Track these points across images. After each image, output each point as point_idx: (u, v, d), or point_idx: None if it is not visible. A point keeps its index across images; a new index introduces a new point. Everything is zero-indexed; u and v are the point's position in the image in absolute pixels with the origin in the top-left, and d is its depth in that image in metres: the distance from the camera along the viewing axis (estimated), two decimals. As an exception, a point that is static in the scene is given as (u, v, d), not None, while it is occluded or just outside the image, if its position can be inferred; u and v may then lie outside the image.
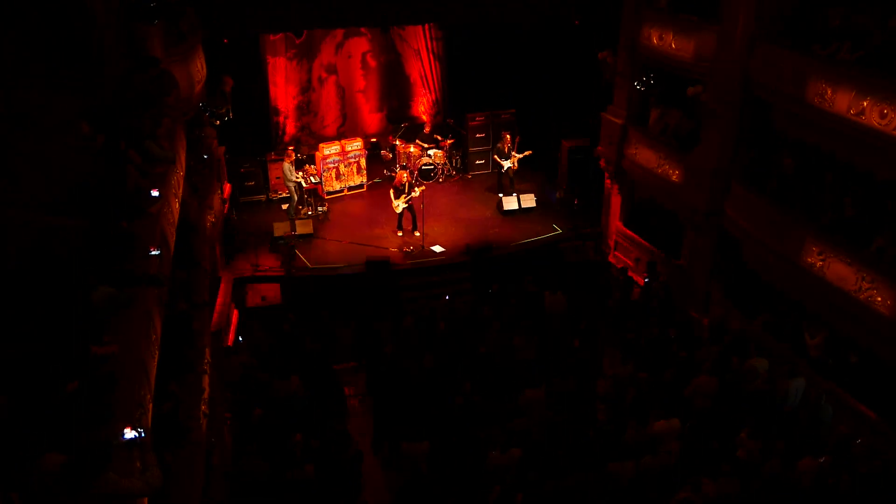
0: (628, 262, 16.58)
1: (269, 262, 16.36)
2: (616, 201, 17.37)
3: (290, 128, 20.65)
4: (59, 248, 5.69)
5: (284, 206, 18.47)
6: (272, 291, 15.27)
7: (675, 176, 14.88)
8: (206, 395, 9.32)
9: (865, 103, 10.54)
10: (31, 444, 4.54)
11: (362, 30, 20.47)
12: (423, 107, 22.07)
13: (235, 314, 15.10)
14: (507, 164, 18.99)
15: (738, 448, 10.49)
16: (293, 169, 17.74)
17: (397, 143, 20.10)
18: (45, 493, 4.34)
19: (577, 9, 18.00)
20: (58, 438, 4.70)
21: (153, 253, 6.98)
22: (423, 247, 17.05)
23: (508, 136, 19.06)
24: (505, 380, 12.23)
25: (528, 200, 18.93)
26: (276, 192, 19.03)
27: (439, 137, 20.21)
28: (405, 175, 17.30)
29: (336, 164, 19.14)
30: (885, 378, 10.98)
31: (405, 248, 17.01)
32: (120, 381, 5.53)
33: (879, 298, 10.52)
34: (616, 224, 17.27)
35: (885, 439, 10.42)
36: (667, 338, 13.03)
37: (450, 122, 20.89)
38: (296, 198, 17.98)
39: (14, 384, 4.72)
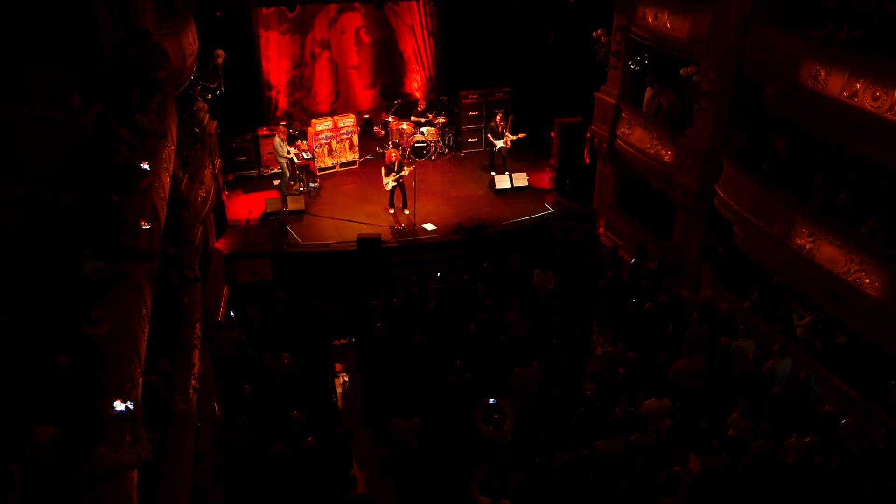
0: (619, 242, 16.61)
1: (261, 238, 16.31)
2: (608, 181, 17.36)
3: (283, 103, 20.49)
4: (49, 221, 5.64)
5: (276, 182, 18.36)
6: (263, 268, 15.22)
7: (667, 156, 14.87)
8: (196, 371, 9.31)
9: (859, 86, 10.53)
10: (24, 417, 4.52)
11: (356, 5, 20.27)
12: (416, 84, 21.93)
13: (226, 290, 15.06)
14: (499, 143, 18.92)
15: (730, 428, 10.58)
16: (285, 144, 17.62)
17: (390, 119, 19.99)
18: (39, 465, 4.33)
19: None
20: (50, 412, 4.69)
21: (144, 227, 6.93)
22: (414, 225, 17.02)
23: (500, 115, 18.96)
24: (496, 357, 12.27)
25: (521, 179, 18.89)
26: (267, 167, 18.92)
27: (430, 117, 20.10)
28: (394, 153, 17.22)
29: (328, 141, 19.03)
30: (871, 359, 11.07)
31: (397, 226, 16.97)
32: (110, 356, 5.51)
33: (868, 280, 10.57)
34: (608, 204, 17.26)
35: (871, 419, 10.53)
36: (656, 317, 13.08)
37: (443, 100, 20.77)
38: (287, 174, 17.88)
39: (4, 358, 4.69)
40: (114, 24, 8.78)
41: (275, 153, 17.73)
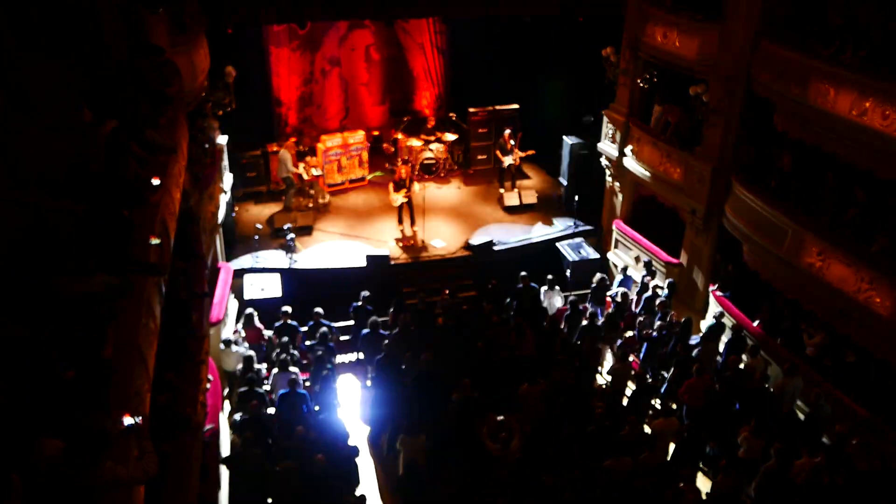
0: (628, 259, 16.57)
1: (270, 254, 16.36)
2: (617, 199, 17.36)
3: (293, 119, 20.62)
4: (56, 232, 5.67)
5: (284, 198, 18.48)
6: (272, 283, 15.24)
7: (676, 174, 14.87)
8: (204, 386, 9.32)
9: (868, 104, 10.52)
10: (29, 428, 4.52)
11: (366, 22, 20.42)
12: (425, 101, 22.03)
13: (234, 305, 15.10)
14: (508, 159, 18.96)
15: (740, 447, 10.49)
16: (291, 159, 17.76)
17: (399, 136, 20.07)
18: (43, 478, 4.33)
19: (582, 5, 17.97)
20: (56, 425, 4.69)
21: (153, 242, 6.96)
22: (423, 241, 17.03)
23: (508, 132, 19.03)
24: (503, 375, 12.23)
25: (530, 197, 18.90)
26: (277, 183, 19.03)
27: (439, 134, 20.17)
28: (404, 169, 17.29)
29: (338, 157, 19.13)
30: (881, 377, 10.98)
31: (405, 243, 16.99)
32: (118, 369, 5.52)
33: (878, 300, 10.51)
34: (617, 222, 17.26)
35: (882, 438, 10.43)
36: (665, 335, 13.03)
37: (452, 117, 20.87)
38: (293, 190, 18.02)
39: (10, 369, 4.71)
40: (117, 24, 8.84)
41: (280, 165, 17.87)
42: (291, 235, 16.26)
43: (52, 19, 7.57)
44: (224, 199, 14.85)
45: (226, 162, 15.72)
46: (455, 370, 12.13)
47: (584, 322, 13.48)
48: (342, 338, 14.19)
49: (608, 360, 13.96)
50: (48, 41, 7.44)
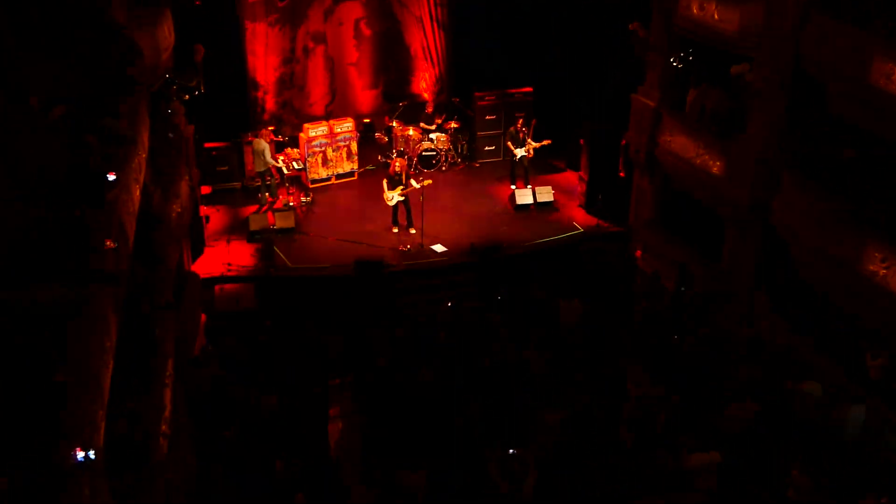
0: (659, 265, 16.55)
1: (244, 261, 16.36)
2: (647, 196, 17.34)
3: (271, 104, 20.63)
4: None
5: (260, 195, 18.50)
6: (247, 294, 15.25)
7: (714, 167, 14.86)
8: (167, 413, 9.30)
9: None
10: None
11: (356, -8, 20.53)
12: (424, 83, 22.04)
13: (204, 319, 15.08)
14: (520, 151, 18.96)
15: (789, 487, 10.45)
16: (269, 150, 17.78)
17: (394, 124, 20.08)
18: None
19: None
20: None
21: (109, 247, 6.96)
22: (422, 246, 17.03)
23: (521, 120, 19.03)
24: (514, 399, 12.21)
25: (545, 194, 18.91)
26: (252, 179, 19.04)
27: (440, 121, 20.18)
28: (399, 163, 17.29)
29: (323, 148, 19.14)
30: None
31: (401, 247, 16.99)
32: (69, 396, 5.51)
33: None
34: (646, 221, 17.23)
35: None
36: (702, 354, 13.01)
37: (455, 102, 20.86)
38: (274, 183, 18.04)
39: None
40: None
41: (256, 157, 17.89)
42: (269, 239, 16.25)
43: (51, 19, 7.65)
44: (191, 197, 14.85)
45: (193, 154, 15.72)
46: (459, 393, 12.11)
47: (609, 337, 13.46)
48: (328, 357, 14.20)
49: (637, 382, 13.92)
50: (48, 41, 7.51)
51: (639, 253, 17.51)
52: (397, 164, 17.31)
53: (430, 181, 17.31)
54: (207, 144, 18.47)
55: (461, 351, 13.22)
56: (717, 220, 15.28)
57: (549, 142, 19.07)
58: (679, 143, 15.73)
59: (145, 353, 9.07)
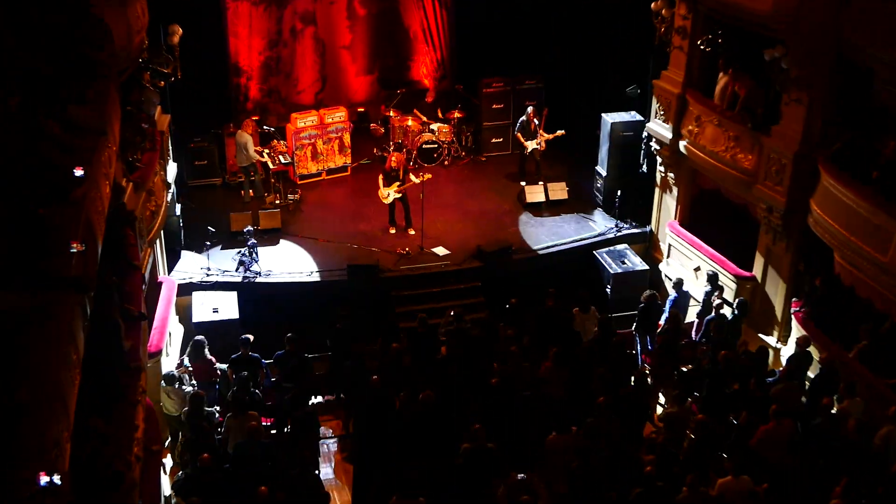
0: (685, 271, 16.53)
1: (224, 265, 16.35)
2: (671, 194, 17.32)
3: (255, 92, 20.66)
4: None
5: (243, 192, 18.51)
6: (227, 303, 15.23)
7: (747, 162, 14.84)
8: (139, 434, 9.28)
9: None
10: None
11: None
12: (425, 69, 22.06)
13: (179, 331, 15.06)
14: (531, 144, 18.96)
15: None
16: (253, 142, 17.78)
17: (391, 114, 20.07)
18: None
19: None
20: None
21: (75, 249, 6.94)
22: (421, 248, 17.03)
23: (533, 109, 19.02)
24: (525, 421, 12.19)
25: (559, 191, 18.89)
26: (234, 174, 19.04)
27: (442, 111, 20.19)
28: (396, 157, 17.26)
29: (312, 140, 19.14)
30: None
31: (399, 250, 16.98)
32: (30, 414, 5.49)
33: None
34: (671, 223, 17.21)
35: None
36: (733, 369, 12.98)
37: (459, 89, 20.87)
38: (254, 179, 18.04)
39: None
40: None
41: (239, 150, 17.88)
42: (252, 241, 16.24)
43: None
44: (167, 194, 14.85)
45: (169, 147, 15.72)
46: (463, 413, 12.08)
47: (630, 352, 13.42)
48: (317, 372, 14.18)
49: (660, 402, 13.89)
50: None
51: (662, 257, 17.48)
52: (394, 158, 17.30)
53: (430, 176, 17.30)
54: (185, 136, 18.46)
55: (466, 368, 13.18)
56: (751, 221, 15.24)
57: (563, 133, 19.06)
58: (707, 135, 15.69)
59: (115, 368, 9.05)
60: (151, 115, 13.88)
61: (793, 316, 14.44)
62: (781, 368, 13.28)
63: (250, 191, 18.41)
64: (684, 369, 13.73)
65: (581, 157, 20.48)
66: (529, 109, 19.06)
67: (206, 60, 18.98)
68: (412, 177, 17.17)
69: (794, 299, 14.59)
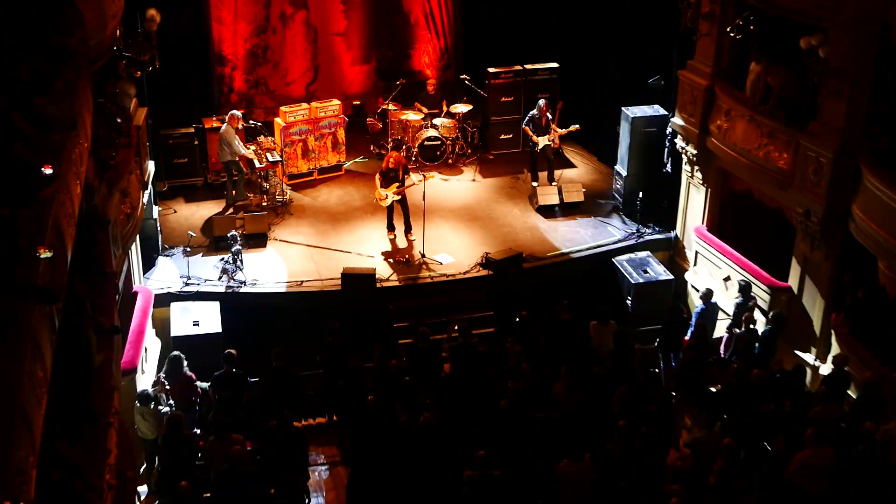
0: (714, 281, 16.51)
1: (206, 273, 16.37)
2: (698, 196, 17.31)
3: (240, 83, 20.67)
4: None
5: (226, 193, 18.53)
6: (209, 314, 15.24)
7: (782, 161, 14.83)
8: (111, 459, 9.29)
9: None
10: None
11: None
12: (427, 58, 22.07)
13: (156, 345, 15.06)
14: (543, 140, 18.96)
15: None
16: (238, 138, 17.78)
17: (390, 107, 20.09)
18: None
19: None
20: None
21: (43, 255, 6.95)
22: (423, 256, 17.04)
23: (545, 102, 19.02)
24: (536, 446, 12.18)
25: (574, 193, 18.90)
26: (217, 173, 19.05)
27: (446, 104, 20.20)
28: (395, 156, 17.24)
29: (303, 136, 19.16)
30: None
31: (398, 258, 16.98)
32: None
33: None
34: (698, 229, 17.19)
35: None
36: (767, 389, 12.97)
37: (465, 80, 20.88)
38: (238, 178, 18.05)
39: None
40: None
41: (222, 146, 17.87)
42: (237, 247, 16.25)
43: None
44: (144, 195, 14.87)
45: (146, 143, 15.74)
46: (467, 437, 12.08)
47: (653, 371, 13.41)
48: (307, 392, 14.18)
49: (686, 426, 13.87)
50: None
51: (688, 265, 17.46)
52: (393, 157, 17.29)
53: (432, 175, 17.29)
54: (164, 131, 18.49)
55: (471, 388, 13.18)
56: (786, 227, 15.22)
57: (578, 128, 19.06)
58: (738, 131, 15.69)
59: (86, 386, 9.05)
60: (127, 108, 13.90)
61: (832, 331, 14.42)
62: (820, 389, 13.25)
63: (233, 191, 18.41)
64: (713, 389, 13.71)
65: (599, 155, 20.52)
66: (541, 102, 19.05)
67: (187, 48, 19.01)
68: (413, 177, 17.17)
69: (833, 312, 14.56)
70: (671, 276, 17.08)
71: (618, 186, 19.10)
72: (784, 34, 14.88)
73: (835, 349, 14.21)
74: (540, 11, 20.85)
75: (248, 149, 18.26)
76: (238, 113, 18.25)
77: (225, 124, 17.98)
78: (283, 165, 18.87)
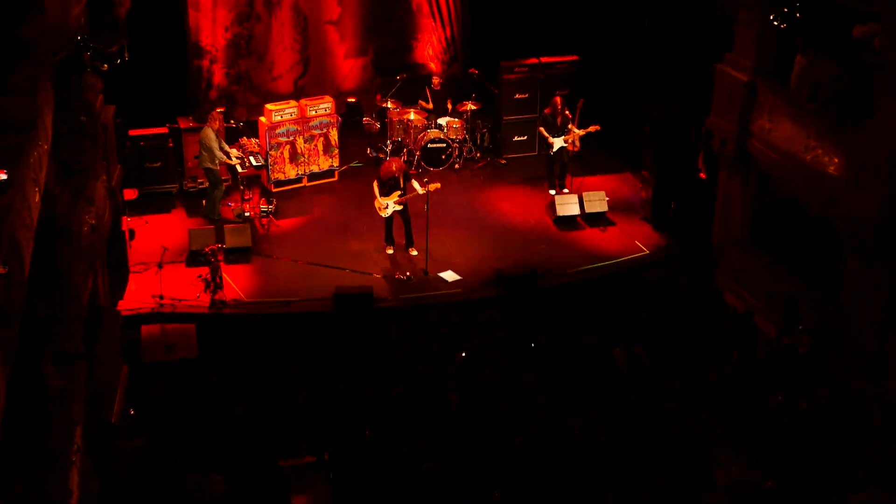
0: (754, 300, 16.48)
1: (182, 292, 16.36)
2: (737, 204, 17.28)
3: (220, 77, 20.71)
4: None
5: (205, 203, 18.51)
6: (184, 338, 15.24)
7: (831, 166, 14.81)
8: (74, 501, 9.26)
9: None
10: None
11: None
12: (430, 49, 22.11)
13: (125, 372, 15.05)
14: (558, 142, 18.95)
15: None
16: (220, 140, 17.76)
17: (389, 105, 20.09)
18: None
19: None
20: None
21: (-3, 272, 6.95)
22: (426, 273, 17.03)
23: (561, 98, 19.01)
24: (555, 487, 12.14)
25: (597, 202, 18.89)
26: (194, 179, 19.05)
27: (450, 106, 20.23)
28: (395, 163, 17.18)
29: (291, 138, 19.17)
30: None
31: (398, 275, 16.97)
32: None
33: None
34: (736, 240, 17.17)
35: None
36: (816, 424, 12.94)
37: (473, 75, 20.90)
38: (222, 187, 18.02)
39: None
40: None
41: (201, 155, 17.85)
42: (216, 262, 16.25)
43: None
44: (111, 204, 14.87)
45: (115, 145, 15.75)
46: (479, 480, 12.02)
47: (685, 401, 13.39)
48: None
49: (721, 464, 13.82)
50: None
51: (726, 283, 17.44)
52: (394, 163, 17.17)
53: (438, 185, 17.27)
54: (134, 132, 18.49)
55: (481, 422, 13.15)
56: (835, 239, 15.20)
57: (598, 128, 19.04)
58: (782, 132, 15.67)
59: (44, 419, 9.02)
60: (92, 105, 13.93)
61: (888, 354, 14.36)
62: (876, 422, 13.20)
63: (213, 201, 18.35)
64: (754, 422, 13.67)
65: (624, 159, 20.49)
66: (557, 98, 19.04)
67: (161, 38, 19.07)
68: (415, 185, 17.10)
69: (891, 332, 14.51)
70: (705, 294, 17.02)
71: (646, 194, 19.08)
72: (835, 22, 14.88)
73: (892, 376, 14.15)
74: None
75: (231, 153, 18.16)
76: (219, 113, 18.22)
77: (205, 126, 17.92)
78: (269, 171, 18.87)
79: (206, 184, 18.47)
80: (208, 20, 20.25)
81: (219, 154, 17.81)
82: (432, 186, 17.05)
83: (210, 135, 17.76)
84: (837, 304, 15.26)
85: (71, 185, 12.26)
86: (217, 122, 17.96)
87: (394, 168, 17.14)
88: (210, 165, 17.90)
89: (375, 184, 17.27)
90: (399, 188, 17.06)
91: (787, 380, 14.22)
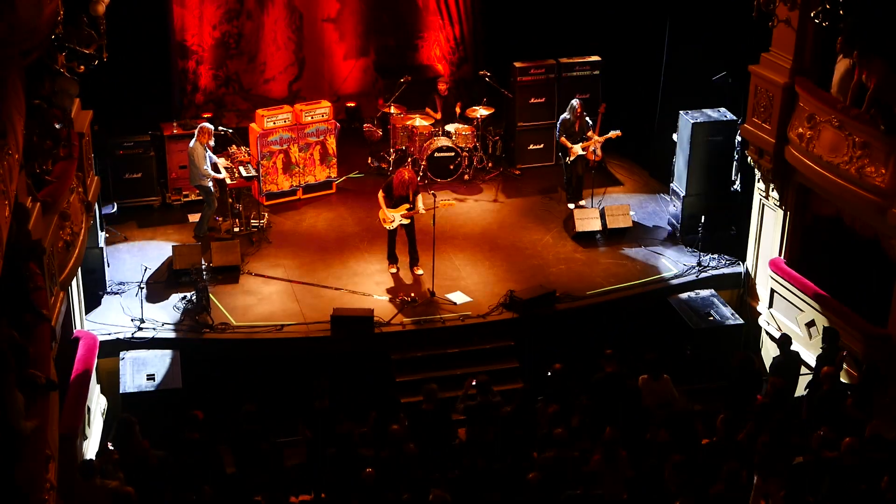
0: (793, 326, 16.46)
1: (164, 316, 16.38)
2: (775, 221, 17.28)
3: (207, 79, 20.76)
4: None
5: (193, 218, 18.50)
6: (166, 366, 15.27)
7: (879, 178, 14.79)
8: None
9: None
10: None
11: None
12: (438, 50, 22.16)
13: (102, 404, 15.05)
14: (577, 149, 18.97)
15: None
16: (208, 152, 17.78)
17: (392, 111, 20.13)
18: None
19: None
20: None
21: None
22: (432, 294, 17.06)
23: (580, 103, 19.03)
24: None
25: (620, 217, 18.90)
26: (179, 191, 19.08)
27: (458, 112, 20.25)
28: (406, 176, 17.11)
29: (285, 146, 19.20)
30: None
31: (402, 296, 16.99)
32: None
33: None
34: (774, 261, 17.16)
35: None
36: (862, 462, 12.90)
37: (485, 77, 20.95)
38: (214, 205, 18.04)
39: None
40: None
41: (191, 168, 17.87)
42: (202, 283, 16.28)
43: None
44: (87, 218, 14.91)
45: (91, 154, 15.80)
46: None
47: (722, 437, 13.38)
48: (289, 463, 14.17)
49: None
50: None
51: (761, 307, 17.42)
52: (406, 175, 17.09)
53: (452, 203, 17.19)
54: (112, 140, 18.52)
55: (493, 458, 13.14)
56: (884, 260, 15.18)
57: (619, 134, 19.06)
58: (824, 140, 15.65)
59: (13, 456, 9.05)
60: (67, 111, 13.98)
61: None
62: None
63: (224, 218, 18.35)
64: (793, 462, 13.64)
65: (651, 170, 20.49)
66: (575, 102, 19.07)
67: (142, 37, 19.11)
68: (419, 203, 16.93)
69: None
70: (740, 321, 17.07)
71: (674, 209, 19.11)
72: (881, 20, 14.89)
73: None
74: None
75: (218, 165, 18.14)
76: (209, 126, 17.95)
77: (193, 140, 17.83)
78: (260, 182, 18.91)
79: (192, 196, 18.47)
80: (194, 17, 20.30)
81: (205, 171, 17.74)
82: (444, 204, 17.00)
83: (198, 150, 17.64)
84: (887, 332, 15.25)
85: (43, 199, 12.30)
86: (206, 136, 17.76)
87: (407, 178, 17.08)
88: (199, 182, 17.85)
89: (381, 194, 17.20)
90: (408, 200, 17.05)
91: (832, 413, 14.20)
